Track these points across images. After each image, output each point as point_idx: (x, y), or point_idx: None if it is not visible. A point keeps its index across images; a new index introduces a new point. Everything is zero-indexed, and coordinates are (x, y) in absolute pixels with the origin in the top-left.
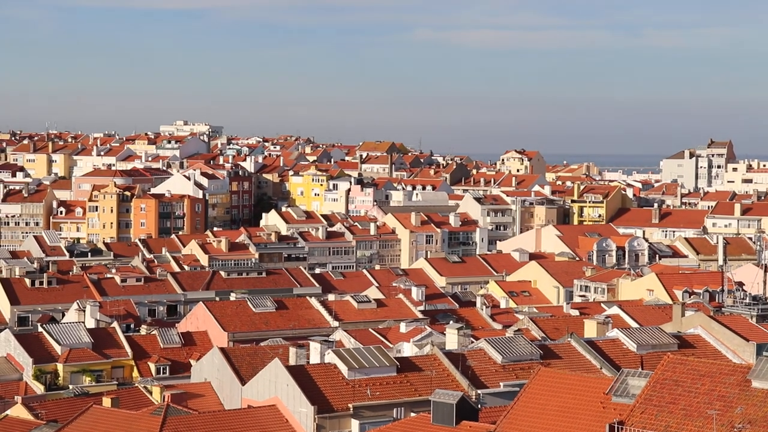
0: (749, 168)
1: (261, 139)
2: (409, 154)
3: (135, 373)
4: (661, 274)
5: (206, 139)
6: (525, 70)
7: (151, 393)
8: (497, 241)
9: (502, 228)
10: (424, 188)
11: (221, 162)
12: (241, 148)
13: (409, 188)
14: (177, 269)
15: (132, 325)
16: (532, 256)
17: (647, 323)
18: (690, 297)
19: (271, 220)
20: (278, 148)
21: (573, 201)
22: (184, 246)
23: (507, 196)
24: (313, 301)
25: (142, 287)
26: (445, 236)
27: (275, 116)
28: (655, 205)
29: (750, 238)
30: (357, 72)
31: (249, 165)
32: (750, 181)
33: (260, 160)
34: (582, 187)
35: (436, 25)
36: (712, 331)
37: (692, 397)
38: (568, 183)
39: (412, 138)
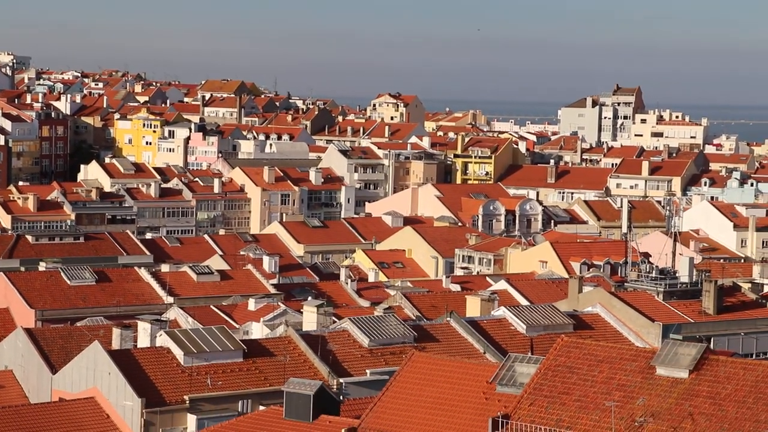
0: (660, 119)
1: (79, 74)
2: (262, 96)
3: None
4: (556, 243)
5: (9, 73)
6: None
7: None
8: (366, 203)
9: (372, 187)
10: (279, 138)
11: (29, 101)
12: (55, 84)
13: (262, 137)
14: None
15: None
16: (407, 221)
17: (539, 300)
18: (589, 270)
19: (91, 173)
20: (101, 85)
21: (456, 156)
22: None
23: (378, 148)
24: (143, 273)
25: None
26: (304, 196)
27: (97, 46)
28: (552, 161)
29: (659, 202)
30: None
31: (64, 105)
32: (660, 134)
33: (78, 99)
34: (467, 140)
35: None
36: (613, 310)
37: (588, 387)
38: (451, 134)
39: (265, 77)
